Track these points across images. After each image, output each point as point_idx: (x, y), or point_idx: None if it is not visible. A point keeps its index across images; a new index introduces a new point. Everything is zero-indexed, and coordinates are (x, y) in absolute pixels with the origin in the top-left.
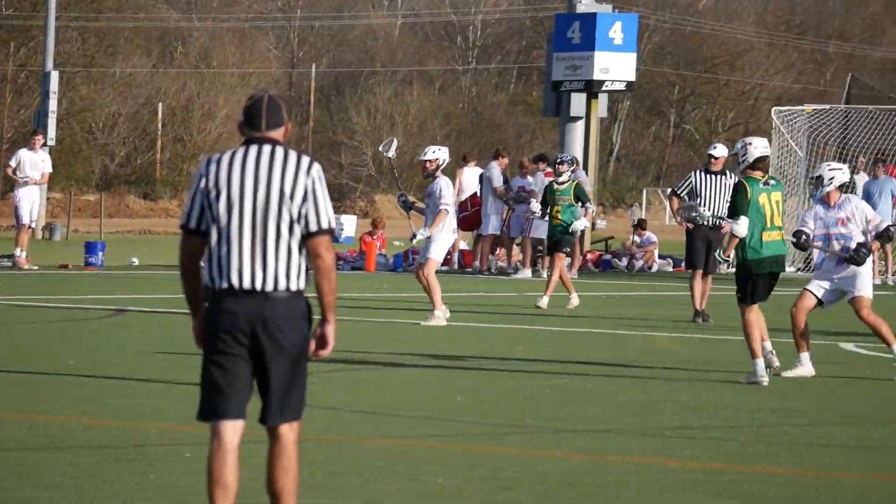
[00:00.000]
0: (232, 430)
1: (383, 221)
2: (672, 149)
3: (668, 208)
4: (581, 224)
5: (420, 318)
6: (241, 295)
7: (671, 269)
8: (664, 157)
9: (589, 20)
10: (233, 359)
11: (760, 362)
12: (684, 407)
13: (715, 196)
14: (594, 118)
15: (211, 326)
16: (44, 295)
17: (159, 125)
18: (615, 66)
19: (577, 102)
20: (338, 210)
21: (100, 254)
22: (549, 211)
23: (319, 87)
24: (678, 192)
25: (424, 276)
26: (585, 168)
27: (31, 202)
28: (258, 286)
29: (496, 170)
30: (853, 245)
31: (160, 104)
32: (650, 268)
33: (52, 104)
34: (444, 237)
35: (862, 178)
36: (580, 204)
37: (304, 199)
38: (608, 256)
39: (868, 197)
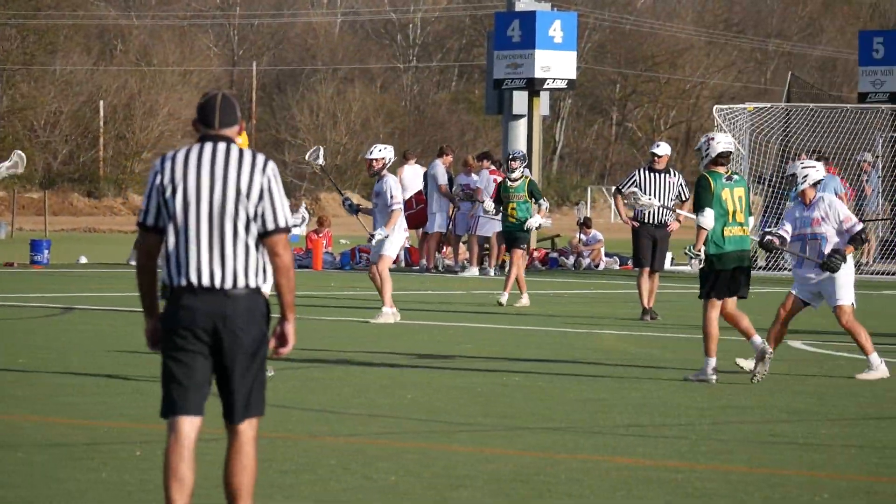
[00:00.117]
0: (189, 425)
1: (329, 220)
2: (615, 147)
3: (613, 206)
4: (536, 221)
5: (369, 315)
6: (200, 292)
7: (618, 267)
8: (607, 156)
9: (528, 18)
10: (192, 355)
11: (712, 361)
12: (635, 405)
13: (659, 194)
14: (536, 116)
15: (170, 324)
16: None
17: (101, 123)
18: (556, 64)
19: (519, 100)
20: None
21: (45, 252)
22: (502, 208)
23: (261, 84)
24: (622, 190)
25: (378, 272)
26: (529, 166)
27: None
28: (217, 284)
29: (441, 168)
30: (827, 249)
31: (101, 102)
32: (597, 266)
33: None
34: (398, 235)
35: None
36: (533, 200)
37: (261, 197)
38: (555, 254)
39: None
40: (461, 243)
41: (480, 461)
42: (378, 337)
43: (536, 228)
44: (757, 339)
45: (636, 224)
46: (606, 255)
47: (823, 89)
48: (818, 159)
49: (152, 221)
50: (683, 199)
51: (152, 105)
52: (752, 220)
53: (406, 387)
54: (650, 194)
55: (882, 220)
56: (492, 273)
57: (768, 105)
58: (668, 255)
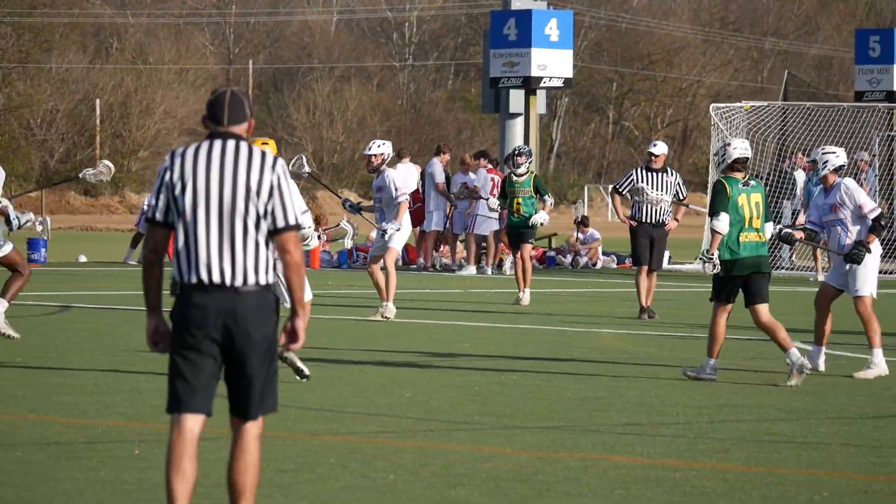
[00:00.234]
0: (193, 422)
1: (326, 218)
2: (612, 145)
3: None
4: (541, 217)
5: (366, 313)
6: (210, 290)
7: (615, 266)
8: (604, 154)
9: (524, 17)
10: (201, 355)
11: (712, 361)
12: (632, 403)
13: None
14: (533, 115)
15: (180, 321)
16: None
17: (98, 121)
18: (552, 62)
19: (516, 99)
20: None
21: (43, 250)
22: (507, 204)
23: (257, 83)
24: (620, 190)
25: (385, 265)
26: None
27: None
28: (227, 281)
29: (438, 166)
30: (847, 236)
31: (98, 100)
32: (594, 264)
33: None
34: (405, 228)
35: (801, 175)
36: (539, 196)
37: (270, 195)
38: (552, 253)
39: (809, 194)
40: (458, 242)
41: (478, 460)
42: (376, 336)
43: (541, 225)
44: (794, 353)
45: (634, 223)
46: (604, 253)
47: (820, 88)
48: (813, 159)
49: (162, 217)
50: (681, 197)
51: (148, 103)
52: (769, 226)
53: (404, 386)
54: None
55: None
56: (489, 272)
57: (765, 104)
58: (666, 254)
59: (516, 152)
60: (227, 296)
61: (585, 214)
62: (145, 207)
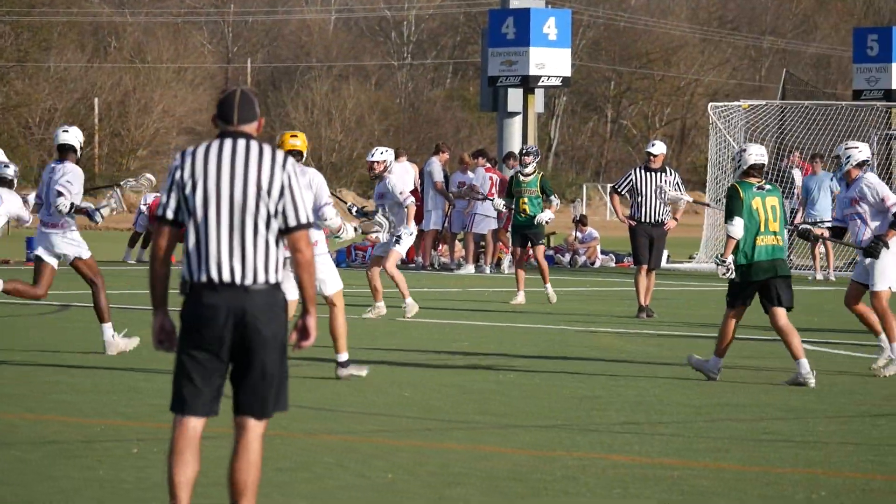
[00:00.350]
0: (196, 420)
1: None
2: (610, 144)
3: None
4: (546, 216)
5: (363, 312)
6: (220, 288)
7: (614, 265)
8: (602, 153)
9: (523, 15)
10: (209, 356)
11: (719, 361)
12: (630, 402)
13: (655, 193)
14: (531, 113)
15: (190, 321)
16: None
17: (96, 120)
18: (550, 61)
19: (514, 98)
20: None
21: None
22: (513, 203)
23: (256, 81)
24: (619, 190)
25: (387, 269)
26: None
27: None
28: (237, 280)
29: (437, 165)
30: (867, 230)
31: (96, 99)
32: (593, 263)
33: None
34: (409, 231)
35: (799, 174)
36: (545, 196)
37: (281, 194)
38: (551, 252)
39: (807, 192)
40: (457, 241)
41: (476, 459)
42: (373, 335)
43: (546, 223)
44: (803, 364)
45: (633, 223)
46: (602, 252)
47: (818, 86)
48: (813, 157)
49: (171, 215)
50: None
51: (147, 102)
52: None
53: (401, 384)
54: (647, 194)
55: None
56: (487, 271)
57: (763, 102)
58: (665, 253)
59: (524, 152)
60: (237, 294)
61: (584, 213)
62: (143, 207)
